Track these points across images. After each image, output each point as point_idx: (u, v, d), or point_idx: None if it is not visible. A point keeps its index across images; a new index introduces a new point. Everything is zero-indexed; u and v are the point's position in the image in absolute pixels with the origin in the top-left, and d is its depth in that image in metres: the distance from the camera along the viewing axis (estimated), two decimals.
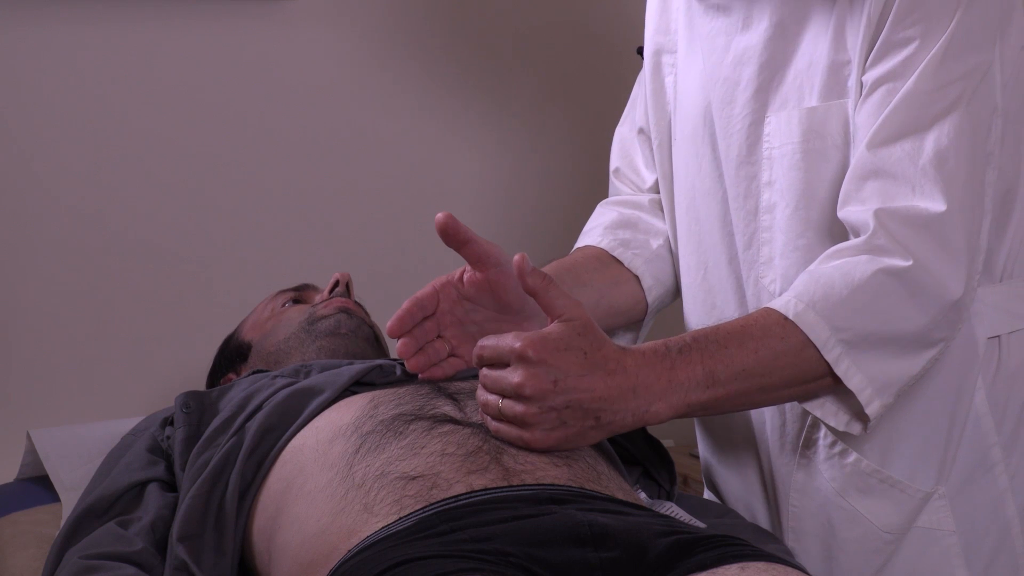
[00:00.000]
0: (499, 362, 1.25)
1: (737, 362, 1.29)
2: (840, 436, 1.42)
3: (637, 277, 1.59)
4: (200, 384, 1.86)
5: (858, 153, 1.33)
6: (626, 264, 1.59)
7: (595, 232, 1.62)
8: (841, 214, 1.34)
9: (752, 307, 1.46)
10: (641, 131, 1.65)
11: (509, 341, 1.24)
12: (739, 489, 1.58)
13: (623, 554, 1.11)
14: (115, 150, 2.23)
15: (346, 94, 2.41)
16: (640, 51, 1.64)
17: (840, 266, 1.31)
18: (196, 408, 1.47)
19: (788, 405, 1.46)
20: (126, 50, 2.22)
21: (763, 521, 1.54)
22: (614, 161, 1.71)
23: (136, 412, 1.90)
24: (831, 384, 1.31)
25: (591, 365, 1.24)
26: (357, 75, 2.41)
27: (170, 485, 1.43)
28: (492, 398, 1.25)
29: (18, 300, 2.17)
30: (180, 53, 2.26)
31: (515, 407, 1.23)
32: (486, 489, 1.18)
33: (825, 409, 1.34)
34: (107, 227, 2.23)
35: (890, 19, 1.32)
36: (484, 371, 1.27)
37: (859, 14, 1.34)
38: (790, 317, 1.29)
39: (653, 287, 1.60)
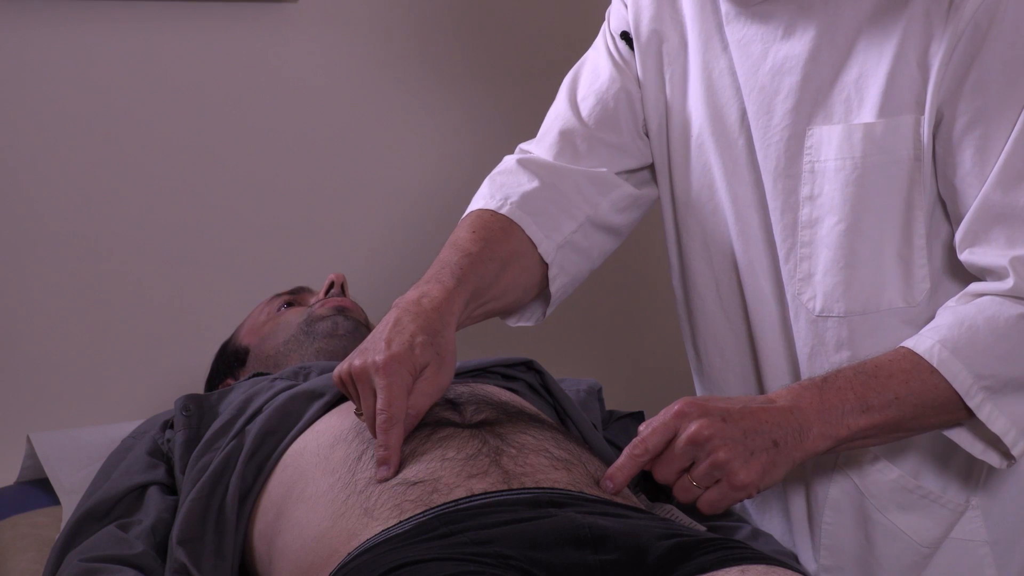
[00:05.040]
0: (662, 442, 1.25)
1: (889, 391, 1.29)
2: (882, 451, 1.41)
3: (543, 262, 1.51)
4: (200, 387, 1.86)
5: (983, 194, 1.31)
6: (540, 250, 1.51)
7: (512, 200, 1.51)
8: (966, 256, 1.33)
9: (792, 319, 1.44)
10: (627, 92, 1.56)
11: (660, 418, 1.26)
12: (761, 508, 1.56)
13: (623, 556, 1.11)
14: (116, 153, 2.23)
15: (346, 96, 2.41)
16: (625, 36, 1.58)
17: (983, 309, 1.30)
18: (196, 411, 1.48)
19: None
20: (127, 52, 2.22)
21: (787, 541, 1.52)
22: (561, 120, 1.59)
23: (136, 415, 1.90)
24: (969, 415, 1.31)
25: (742, 403, 1.27)
26: (357, 77, 2.41)
27: (170, 488, 1.43)
28: (683, 482, 1.25)
29: (18, 303, 2.17)
30: (181, 55, 2.26)
31: (706, 461, 1.24)
32: (486, 493, 1.18)
33: (962, 438, 1.34)
34: (107, 229, 2.23)
35: (987, 41, 1.28)
36: (659, 467, 1.26)
37: (939, 27, 1.30)
38: (934, 364, 1.28)
39: (558, 276, 1.53)
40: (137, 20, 2.21)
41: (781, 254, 1.43)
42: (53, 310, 2.20)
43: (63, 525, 1.42)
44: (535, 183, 1.53)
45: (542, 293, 1.55)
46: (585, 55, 1.65)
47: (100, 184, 2.22)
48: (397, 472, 1.24)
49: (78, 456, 1.70)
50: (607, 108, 1.56)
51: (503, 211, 1.50)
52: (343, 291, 1.82)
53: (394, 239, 2.46)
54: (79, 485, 1.61)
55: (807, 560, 1.49)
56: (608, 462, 1.38)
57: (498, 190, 1.53)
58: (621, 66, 1.57)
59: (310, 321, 1.73)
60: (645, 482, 1.50)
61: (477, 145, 2.52)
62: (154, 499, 1.40)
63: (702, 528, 1.32)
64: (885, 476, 1.42)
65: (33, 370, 2.19)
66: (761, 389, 1.51)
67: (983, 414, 1.28)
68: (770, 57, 1.40)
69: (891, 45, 1.33)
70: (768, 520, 1.55)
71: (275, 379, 1.51)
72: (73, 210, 2.20)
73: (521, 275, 1.50)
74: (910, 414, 1.29)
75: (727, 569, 1.09)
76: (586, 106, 1.58)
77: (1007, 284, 1.29)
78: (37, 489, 1.74)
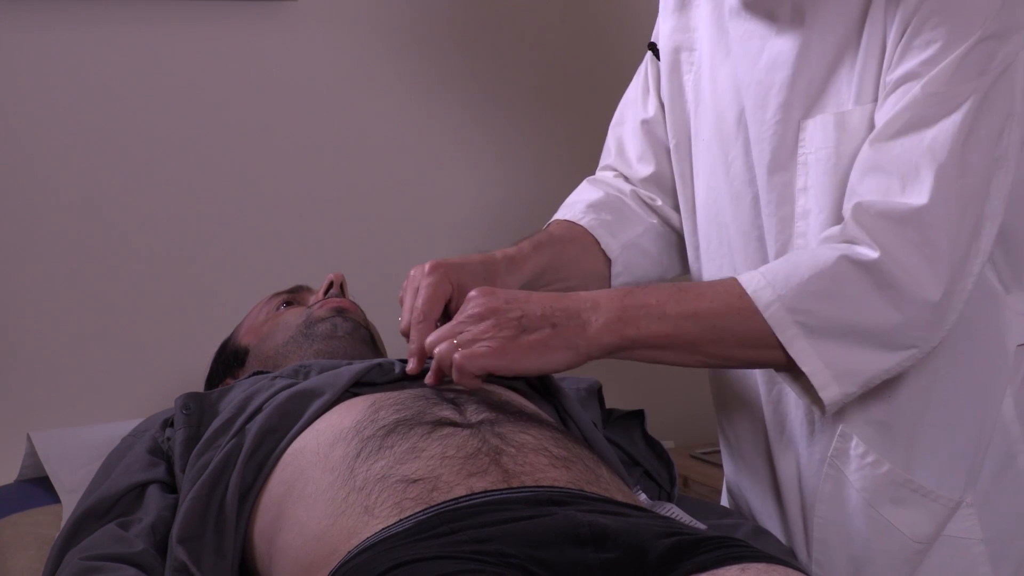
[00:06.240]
0: (438, 310, 1.36)
1: (690, 304, 1.30)
2: (871, 444, 1.41)
3: (608, 260, 1.58)
4: (200, 386, 1.86)
5: (862, 149, 1.32)
6: (602, 245, 1.58)
7: (577, 207, 1.61)
8: (843, 210, 1.33)
9: None
10: (645, 123, 1.63)
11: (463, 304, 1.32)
12: (761, 501, 1.57)
13: (623, 555, 1.11)
14: (116, 152, 2.23)
15: (346, 96, 2.41)
16: (652, 47, 1.62)
17: (812, 250, 1.31)
18: (196, 409, 1.47)
19: (817, 418, 1.44)
20: (127, 51, 2.22)
21: (783, 534, 1.52)
22: (605, 156, 1.70)
23: (136, 414, 1.90)
24: (788, 359, 1.30)
25: (539, 293, 1.33)
26: (357, 77, 2.41)
27: (171, 486, 1.43)
28: (446, 344, 1.29)
29: (18, 302, 2.17)
30: (181, 54, 2.26)
31: (472, 330, 1.28)
32: (486, 491, 1.18)
33: (794, 386, 1.34)
34: (107, 228, 2.23)
35: (914, 20, 1.30)
36: (433, 334, 1.32)
37: (893, 14, 1.32)
38: (748, 292, 1.29)
39: (622, 273, 1.59)
40: (136, 20, 2.21)
41: (774, 250, 1.44)
42: (53, 310, 2.20)
43: (63, 523, 1.42)
44: (600, 194, 1.62)
45: None
46: (632, 82, 1.70)
47: (100, 184, 2.22)
48: (420, 370, 1.38)
49: (78, 455, 1.70)
50: (639, 143, 1.65)
51: (567, 217, 1.60)
52: (342, 291, 1.82)
53: (393, 238, 2.46)
54: (79, 484, 1.61)
55: (801, 554, 1.49)
56: (608, 460, 1.38)
57: (566, 207, 1.64)
58: (651, 91, 1.64)
59: (309, 323, 1.73)
60: (646, 481, 1.50)
61: (479, 142, 2.53)
62: (154, 497, 1.40)
63: (703, 527, 1.32)
64: (876, 470, 1.41)
65: (33, 369, 2.19)
66: (769, 389, 1.51)
67: (794, 350, 1.28)
68: (766, 52, 1.42)
69: (866, 37, 1.35)
70: (767, 516, 1.55)
71: (275, 377, 1.51)
72: (73, 210, 2.20)
73: (599, 266, 1.58)
74: (709, 335, 1.30)
75: (727, 567, 1.09)
76: (628, 144, 1.67)
77: (839, 227, 1.30)
78: (37, 488, 1.74)
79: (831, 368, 1.29)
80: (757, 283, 1.29)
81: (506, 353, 1.27)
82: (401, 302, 1.43)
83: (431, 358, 1.34)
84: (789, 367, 1.32)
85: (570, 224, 1.59)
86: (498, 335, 1.27)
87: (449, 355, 1.28)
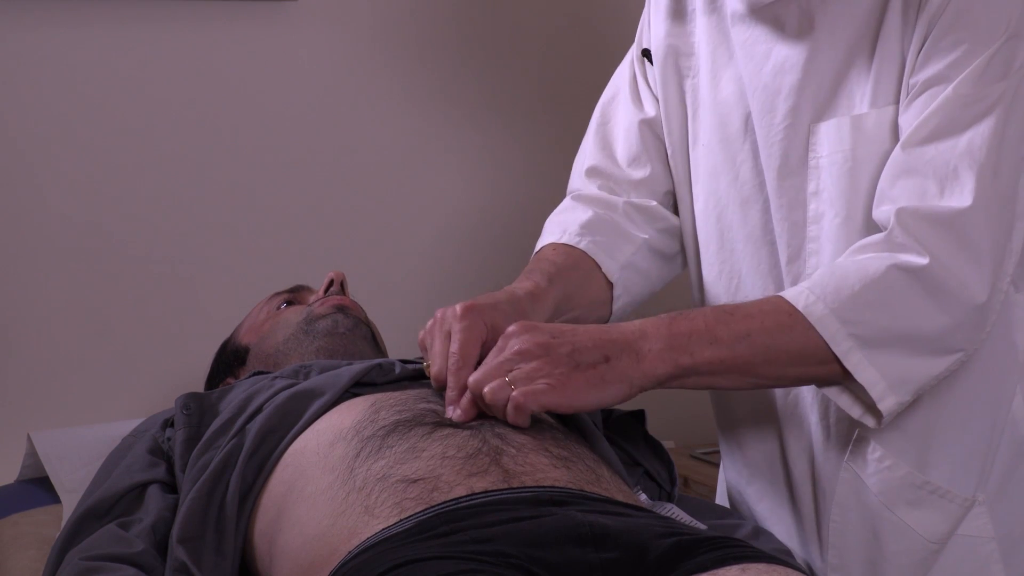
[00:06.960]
0: (476, 353, 1.29)
1: (741, 327, 1.28)
2: (888, 447, 1.41)
3: (608, 283, 1.55)
4: (200, 386, 1.86)
5: (893, 153, 1.32)
6: (603, 269, 1.54)
7: (571, 229, 1.56)
8: (874, 214, 1.33)
9: None
10: (646, 122, 1.60)
11: (499, 340, 1.28)
12: (773, 506, 1.56)
13: (623, 555, 1.11)
14: (115, 153, 2.23)
15: (346, 95, 2.41)
16: (646, 54, 1.60)
17: (857, 260, 1.29)
18: (196, 409, 1.47)
19: (832, 423, 1.44)
20: (126, 52, 2.22)
21: (796, 540, 1.52)
22: (589, 158, 1.64)
23: (136, 414, 1.90)
24: (843, 372, 1.29)
25: (582, 326, 1.29)
26: (357, 77, 2.41)
27: (171, 487, 1.43)
28: (497, 383, 1.24)
29: (18, 302, 2.17)
30: (180, 54, 2.26)
31: (524, 367, 1.24)
32: (487, 491, 1.18)
33: (841, 399, 1.33)
34: (107, 229, 2.23)
35: (940, 22, 1.30)
36: (479, 373, 1.27)
37: (912, 18, 1.32)
38: (799, 308, 1.28)
39: (621, 296, 1.56)
40: (136, 20, 2.21)
41: (786, 255, 1.43)
42: (53, 309, 2.20)
43: (63, 523, 1.42)
44: (590, 213, 1.57)
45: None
46: (612, 84, 1.67)
47: (100, 184, 2.22)
48: (468, 418, 1.28)
49: (78, 455, 1.70)
50: (633, 144, 1.61)
51: (563, 240, 1.55)
52: (343, 289, 1.82)
53: (394, 237, 2.47)
54: (79, 484, 1.61)
55: (815, 559, 1.49)
56: (609, 460, 1.38)
57: (556, 227, 1.58)
58: (643, 92, 1.61)
59: (310, 320, 1.73)
60: (646, 481, 1.50)
61: (479, 142, 2.53)
62: (154, 497, 1.40)
63: (703, 527, 1.32)
64: (894, 473, 1.41)
65: (33, 369, 2.19)
66: (771, 399, 1.51)
67: (850, 362, 1.27)
68: (772, 57, 1.41)
69: (881, 40, 1.34)
70: (777, 520, 1.55)
71: (275, 378, 1.51)
72: (73, 210, 2.20)
73: (601, 291, 1.54)
74: (762, 356, 1.28)
75: (727, 567, 1.09)
76: (617, 146, 1.62)
77: (883, 235, 1.29)
78: (38, 487, 1.74)
79: (886, 378, 1.28)
80: (807, 298, 1.28)
81: (566, 389, 1.24)
82: (422, 344, 1.37)
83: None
84: (840, 381, 1.31)
85: (568, 249, 1.54)
86: (553, 371, 1.23)
87: (504, 394, 1.24)
